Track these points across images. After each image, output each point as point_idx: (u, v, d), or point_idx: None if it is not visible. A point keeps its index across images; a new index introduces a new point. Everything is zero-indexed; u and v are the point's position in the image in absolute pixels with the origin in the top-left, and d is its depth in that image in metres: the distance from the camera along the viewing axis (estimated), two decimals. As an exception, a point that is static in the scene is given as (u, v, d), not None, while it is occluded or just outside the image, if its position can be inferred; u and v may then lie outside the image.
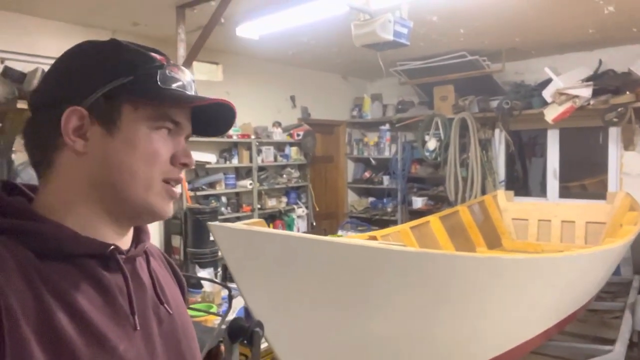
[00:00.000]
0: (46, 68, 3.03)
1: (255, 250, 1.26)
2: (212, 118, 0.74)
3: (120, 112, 0.65)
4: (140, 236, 0.74)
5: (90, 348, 0.59)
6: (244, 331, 1.36)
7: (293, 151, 5.74)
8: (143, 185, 0.66)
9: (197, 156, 4.69)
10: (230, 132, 4.99)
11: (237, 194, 5.21)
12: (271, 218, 5.55)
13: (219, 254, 4.51)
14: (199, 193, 4.71)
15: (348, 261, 1.36)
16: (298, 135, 5.73)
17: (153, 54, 0.68)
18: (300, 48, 4.95)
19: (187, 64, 3.51)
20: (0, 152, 3.35)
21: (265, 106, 5.59)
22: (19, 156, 3.53)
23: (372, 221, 6.52)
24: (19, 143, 3.55)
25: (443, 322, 1.76)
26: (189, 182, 4.65)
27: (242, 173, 5.26)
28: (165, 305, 0.73)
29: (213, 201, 4.79)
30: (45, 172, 0.66)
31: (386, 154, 6.56)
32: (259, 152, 5.30)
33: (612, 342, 2.88)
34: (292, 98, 6.03)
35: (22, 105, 3.23)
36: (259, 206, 5.28)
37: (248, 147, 5.18)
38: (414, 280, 1.56)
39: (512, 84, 5.65)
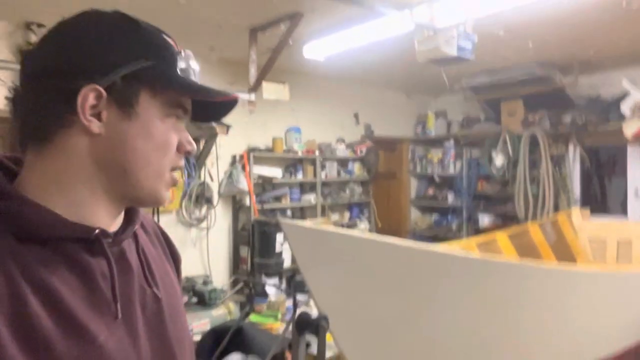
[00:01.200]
0: None
1: (322, 248, 1.34)
2: (209, 104, 0.71)
3: (139, 95, 0.63)
4: (131, 217, 0.71)
5: (67, 338, 0.56)
6: (310, 324, 1.44)
7: (356, 167, 5.82)
8: (154, 174, 0.66)
9: (264, 171, 4.90)
10: (296, 148, 5.17)
11: (301, 208, 5.35)
12: (334, 233, 5.62)
13: (284, 265, 4.65)
14: (265, 206, 4.90)
15: (410, 264, 1.40)
16: (361, 151, 5.81)
17: (167, 38, 0.67)
18: (364, 67, 5.06)
19: (257, 84, 3.72)
20: None
21: (330, 123, 5.73)
22: None
23: (436, 239, 6.39)
24: None
25: (502, 333, 1.73)
26: (256, 195, 4.86)
27: (306, 188, 5.40)
28: (154, 288, 0.70)
29: (279, 214, 4.96)
30: (39, 148, 0.62)
31: (451, 171, 6.46)
32: (323, 167, 5.43)
33: None
34: (356, 115, 6.13)
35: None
36: (322, 221, 5.38)
37: (312, 162, 5.33)
38: (480, 290, 1.56)
39: (586, 98, 5.39)
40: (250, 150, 4.83)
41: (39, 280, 0.56)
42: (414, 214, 7.02)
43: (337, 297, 1.39)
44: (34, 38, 3.41)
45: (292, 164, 5.27)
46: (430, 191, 6.79)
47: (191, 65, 0.68)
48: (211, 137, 4.23)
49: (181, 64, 0.66)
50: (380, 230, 6.18)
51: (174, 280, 0.79)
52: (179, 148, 0.68)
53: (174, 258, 0.83)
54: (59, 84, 0.59)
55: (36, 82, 0.61)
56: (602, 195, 5.95)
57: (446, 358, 1.55)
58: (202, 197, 4.42)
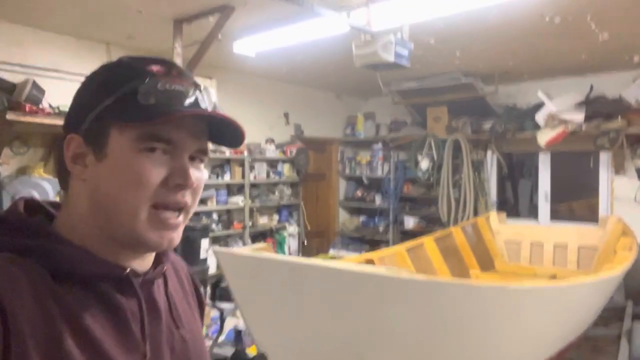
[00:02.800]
0: (37, 79, 2.92)
1: (260, 277, 1.19)
2: (223, 130, 0.69)
3: (108, 136, 0.63)
4: (160, 258, 0.72)
5: None
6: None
7: (286, 168, 5.69)
8: (128, 212, 0.62)
9: (189, 172, 4.61)
10: (223, 148, 4.92)
11: (228, 211, 5.12)
12: (262, 236, 5.45)
13: (209, 272, 4.41)
14: (189, 209, 4.60)
15: (357, 288, 1.30)
16: (291, 152, 5.68)
17: (150, 67, 0.64)
18: (295, 66, 4.94)
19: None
20: (-15, 164, 3.24)
21: (259, 123, 5.55)
22: (5, 168, 3.42)
23: (364, 240, 6.47)
24: (5, 155, 3.44)
25: (447, 351, 1.70)
26: (179, 198, 4.55)
27: (234, 190, 5.18)
28: (181, 330, 0.71)
29: (204, 218, 4.69)
30: (65, 194, 0.67)
31: (379, 173, 6.55)
32: (252, 168, 5.23)
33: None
34: (286, 115, 6.00)
35: (11, 116, 3.13)
36: (250, 224, 5.19)
37: (240, 163, 5.12)
38: (421, 309, 1.50)
39: (504, 106, 5.70)
40: (174, 149, 4.51)
41: (74, 318, 0.58)
42: (343, 216, 7.04)
43: (277, 330, 1.25)
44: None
45: (219, 165, 5.02)
46: (359, 193, 6.84)
47: (171, 88, 0.63)
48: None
49: (145, 92, 0.62)
50: (309, 233, 6.11)
51: (199, 324, 0.81)
52: (167, 182, 0.63)
53: (200, 304, 0.84)
54: (61, 142, 0.66)
55: (60, 139, 0.67)
56: (514, 199, 6.35)
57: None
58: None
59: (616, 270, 2.76)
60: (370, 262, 2.96)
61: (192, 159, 0.67)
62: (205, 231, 4.32)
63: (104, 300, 0.62)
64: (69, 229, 0.64)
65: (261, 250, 1.23)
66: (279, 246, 5.57)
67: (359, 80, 5.58)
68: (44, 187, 3.47)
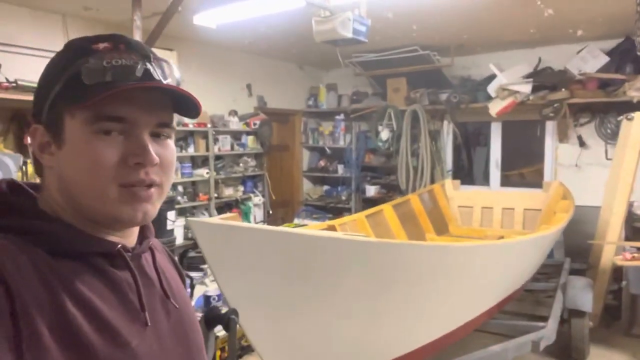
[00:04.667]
0: None
1: (230, 244, 1.34)
2: (180, 101, 0.68)
3: (63, 122, 0.62)
4: (144, 232, 0.74)
5: (105, 344, 0.59)
6: (220, 318, 1.45)
7: (250, 140, 5.76)
8: (94, 196, 0.63)
9: (153, 145, 4.63)
10: (186, 120, 4.95)
11: (193, 183, 5.19)
12: (228, 207, 5.57)
13: (176, 242, 4.51)
14: (154, 182, 4.65)
15: (316, 252, 1.48)
16: (255, 124, 5.75)
17: (96, 45, 0.63)
18: (257, 37, 4.96)
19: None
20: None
21: (222, 95, 5.56)
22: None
23: (327, 209, 6.69)
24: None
25: (394, 305, 1.92)
26: (144, 171, 4.58)
27: (198, 162, 5.23)
28: (172, 299, 0.73)
29: (169, 191, 4.75)
30: (41, 179, 0.69)
31: (341, 144, 6.72)
32: (216, 141, 5.29)
33: (545, 319, 3.19)
34: (249, 87, 6.03)
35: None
36: (215, 195, 5.29)
37: (204, 135, 5.16)
38: (375, 269, 1.69)
39: (459, 78, 5.94)
40: (136, 122, 4.51)
41: (75, 291, 0.59)
42: (307, 185, 7.22)
43: (245, 290, 1.42)
44: None
45: (182, 137, 5.04)
46: (322, 163, 7.01)
47: (117, 64, 0.62)
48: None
49: (89, 71, 0.61)
50: (274, 202, 6.26)
51: (187, 294, 0.82)
52: (126, 161, 0.62)
53: (181, 277, 0.85)
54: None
55: None
56: (469, 167, 6.69)
57: (341, 338, 1.68)
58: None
59: (549, 229, 3.07)
60: (331, 228, 3.16)
61: (156, 135, 0.66)
62: (171, 203, 4.40)
63: (100, 274, 0.63)
64: (52, 211, 0.65)
65: (230, 219, 1.38)
66: (245, 216, 5.70)
67: (321, 51, 5.64)
68: (6, 162, 3.44)
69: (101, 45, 0.63)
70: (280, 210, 6.66)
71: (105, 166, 0.62)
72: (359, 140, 6.61)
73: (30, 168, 3.68)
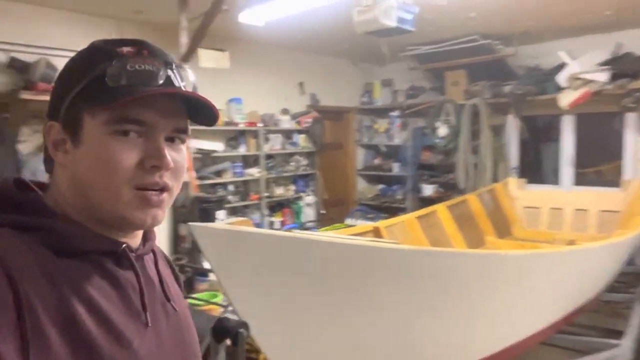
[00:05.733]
0: (51, 59, 2.98)
1: (238, 251, 1.23)
2: (198, 108, 0.69)
3: (82, 122, 0.63)
4: (147, 235, 0.74)
5: (108, 342, 0.60)
6: (227, 331, 1.34)
7: (301, 139, 5.69)
8: (108, 195, 0.63)
9: (203, 145, 4.69)
10: (237, 120, 4.97)
11: (245, 182, 5.20)
12: (279, 206, 5.54)
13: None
14: (206, 182, 4.71)
15: (334, 260, 1.33)
16: (306, 122, 5.67)
17: (120, 48, 0.64)
18: (308, 34, 4.86)
19: (190, 51, 3.47)
20: (6, 142, 3.38)
21: (273, 93, 5.53)
22: (25, 146, 3.55)
23: (382, 208, 6.48)
24: (24, 133, 3.58)
25: (441, 320, 1.73)
26: (196, 171, 4.65)
27: (249, 161, 5.24)
28: (171, 301, 0.74)
29: (220, 190, 4.79)
30: (50, 177, 0.69)
31: (396, 141, 6.48)
32: (267, 140, 5.26)
33: (622, 334, 2.82)
34: (301, 85, 5.96)
35: (26, 95, 3.24)
36: (267, 194, 5.27)
37: (255, 135, 5.16)
38: (408, 280, 1.51)
39: (525, 68, 5.49)
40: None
41: (80, 288, 0.60)
42: (361, 184, 7.05)
43: (257, 300, 1.30)
44: None
45: (234, 137, 5.07)
46: (377, 161, 6.81)
47: (140, 68, 0.63)
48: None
49: (113, 74, 0.62)
50: (327, 202, 6.16)
51: (183, 299, 0.83)
52: (143, 164, 0.64)
53: (178, 282, 0.85)
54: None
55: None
56: (538, 164, 6.18)
57: (380, 354, 1.52)
58: (136, 174, 4.16)
59: (628, 233, 2.69)
60: (376, 231, 2.98)
61: (171, 140, 0.67)
62: (220, 203, 4.42)
63: (104, 273, 0.64)
64: (59, 209, 0.65)
65: (239, 224, 1.27)
66: (296, 216, 5.65)
67: (374, 46, 5.42)
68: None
69: (125, 50, 0.64)
70: (334, 209, 6.54)
71: (123, 167, 0.63)
72: (415, 138, 6.33)
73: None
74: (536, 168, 6.20)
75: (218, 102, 4.89)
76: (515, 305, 2.05)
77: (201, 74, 4.64)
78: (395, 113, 6.46)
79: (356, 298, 1.39)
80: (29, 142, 3.61)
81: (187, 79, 0.66)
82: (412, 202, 6.37)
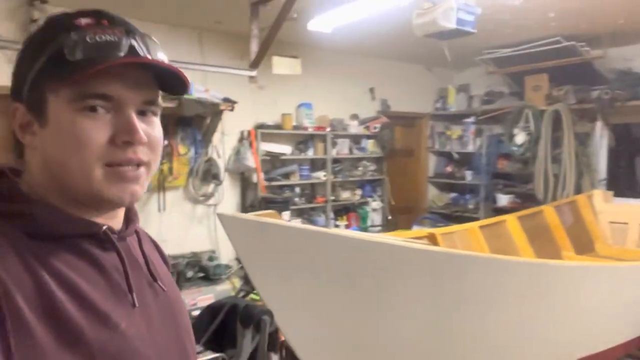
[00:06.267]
0: None
1: (262, 240, 1.29)
2: (168, 78, 0.66)
3: (46, 100, 0.61)
4: (130, 216, 0.72)
5: (92, 325, 0.58)
6: (252, 318, 1.41)
7: (369, 144, 5.70)
8: (80, 176, 0.61)
9: (272, 148, 4.87)
10: (306, 124, 5.10)
11: (311, 185, 5.32)
12: (345, 210, 5.58)
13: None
14: (274, 183, 4.89)
15: (358, 256, 1.35)
16: (375, 127, 5.67)
17: (77, 20, 0.61)
18: (377, 39, 4.87)
19: (259, 58, 3.64)
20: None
21: (343, 99, 5.60)
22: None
23: (452, 218, 6.26)
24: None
25: (469, 325, 1.66)
26: (265, 172, 4.85)
27: (317, 165, 5.35)
28: (159, 282, 0.72)
29: (287, 191, 4.94)
30: (22, 162, 0.67)
31: (470, 148, 6.24)
32: (334, 144, 5.34)
33: None
34: (372, 90, 5.97)
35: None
36: (333, 198, 5.35)
37: (323, 139, 5.26)
38: (439, 283, 1.49)
39: (617, 71, 5.03)
40: (258, 126, 4.79)
41: (59, 274, 0.58)
42: (432, 192, 6.87)
43: (284, 291, 1.35)
44: (37, 15, 3.43)
45: (303, 141, 5.21)
46: (449, 168, 6.61)
47: (101, 40, 0.60)
48: (216, 114, 4.21)
49: (72, 47, 0.59)
50: (395, 208, 6.09)
51: (172, 279, 0.82)
52: (114, 140, 0.62)
53: (166, 264, 0.84)
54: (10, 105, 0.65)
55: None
56: (629, 177, 5.62)
57: (406, 356, 1.50)
58: (208, 174, 4.44)
59: None
60: (432, 237, 2.92)
61: (142, 113, 0.65)
62: (286, 204, 4.57)
63: (85, 256, 0.62)
64: (34, 193, 0.64)
65: (267, 216, 1.33)
66: (362, 220, 5.65)
67: (454, 49, 5.31)
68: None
69: (83, 21, 0.61)
70: (402, 216, 6.44)
71: (92, 145, 0.60)
72: (490, 145, 6.05)
73: (166, 166, 4.17)
74: (628, 180, 5.64)
75: (289, 107, 5.09)
76: (555, 321, 1.91)
77: (275, 80, 4.86)
78: (470, 119, 6.23)
79: (375, 295, 1.40)
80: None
81: (155, 49, 0.65)
82: (486, 212, 6.08)
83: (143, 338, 0.64)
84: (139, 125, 0.62)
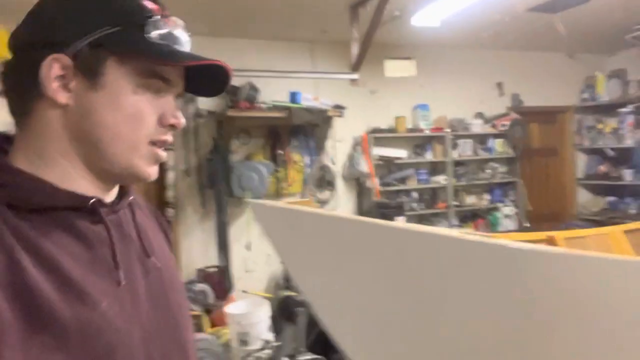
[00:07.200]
0: (253, 80, 3.61)
1: (298, 229, 1.24)
2: (206, 78, 0.69)
3: (106, 64, 0.61)
4: (126, 190, 0.71)
5: (71, 305, 0.56)
6: (288, 309, 1.37)
7: (497, 144, 5.20)
8: (127, 147, 0.63)
9: (387, 152, 4.77)
10: (422, 126, 4.89)
11: (432, 190, 5.05)
12: (473, 217, 5.16)
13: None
14: (390, 188, 4.76)
15: (403, 248, 1.20)
16: (503, 125, 5.16)
17: (145, 2, 0.63)
18: (495, 28, 4.44)
19: (359, 61, 3.61)
20: (220, 152, 4.13)
21: (465, 97, 5.22)
22: (235, 155, 4.27)
23: (607, 224, 5.31)
24: (234, 145, 4.31)
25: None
26: (380, 178, 4.76)
27: (438, 169, 5.06)
28: (153, 257, 0.70)
29: (403, 196, 4.77)
30: (23, 122, 0.63)
31: (628, 143, 5.26)
32: (455, 146, 5.00)
33: None
34: (499, 85, 5.46)
35: (231, 112, 3.92)
36: (456, 203, 4.99)
37: (442, 141, 4.96)
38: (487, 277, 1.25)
39: None
40: (371, 131, 4.74)
41: (37, 249, 0.56)
42: (583, 196, 5.96)
43: (322, 281, 1.28)
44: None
45: (420, 144, 5.00)
46: (602, 168, 5.66)
47: (171, 30, 0.64)
48: (325, 121, 4.29)
49: (155, 30, 0.62)
50: (533, 214, 5.43)
51: (170, 253, 0.80)
52: (162, 121, 0.65)
53: (167, 237, 0.83)
54: (28, 57, 0.60)
55: (16, 57, 0.63)
56: None
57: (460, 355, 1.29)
58: (323, 181, 4.53)
59: None
60: (551, 241, 2.49)
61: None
62: (399, 209, 4.42)
63: (69, 228, 0.61)
64: (28, 160, 0.62)
65: (299, 204, 1.28)
66: (492, 227, 5.16)
67: (600, 32, 4.59)
68: (261, 169, 4.21)
69: (149, 4, 0.63)
70: (545, 224, 5.70)
71: (148, 122, 0.64)
72: (657, 137, 5.02)
73: (282, 174, 4.37)
74: None
75: (403, 110, 4.94)
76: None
77: (386, 84, 4.77)
78: (627, 109, 5.26)
79: (434, 293, 1.23)
80: (238, 153, 4.35)
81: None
82: (654, 218, 5.04)
83: (127, 316, 0.62)
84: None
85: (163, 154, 0.66)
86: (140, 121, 0.63)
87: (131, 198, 0.72)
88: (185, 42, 0.65)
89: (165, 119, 0.65)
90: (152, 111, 0.64)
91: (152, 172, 0.66)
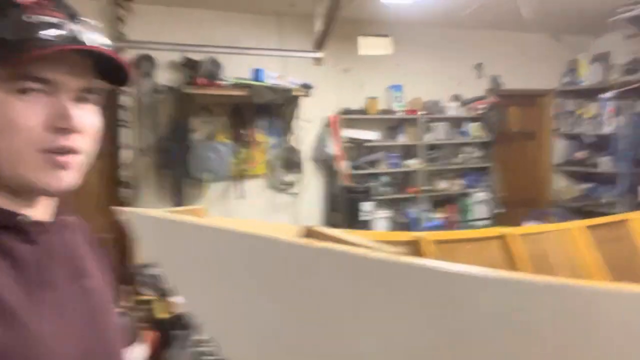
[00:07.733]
0: (218, 57, 3.40)
1: (177, 240, 1.09)
2: (109, 67, 0.64)
3: None
4: (60, 207, 0.70)
5: None
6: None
7: (473, 128, 5.05)
8: (9, 160, 0.59)
9: (357, 134, 4.60)
10: (395, 108, 4.71)
11: (404, 174, 4.90)
12: (445, 201, 5.05)
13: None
14: (360, 172, 4.61)
15: (281, 260, 1.06)
16: (480, 109, 5.00)
17: None
18: (479, 5, 4.21)
19: (322, 37, 3.40)
20: (179, 133, 3.93)
21: (441, 79, 5.02)
22: (197, 134, 4.07)
23: (583, 213, 5.23)
24: (195, 123, 4.10)
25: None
26: (350, 161, 4.60)
27: (411, 152, 4.90)
28: (84, 280, 0.69)
29: (370, 180, 4.63)
30: None
31: (607, 129, 5.14)
32: (429, 129, 4.84)
33: None
34: (478, 67, 5.26)
35: (190, 89, 3.72)
36: (428, 187, 4.87)
37: (415, 123, 4.80)
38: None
39: None
40: (342, 112, 4.55)
41: None
42: (559, 182, 5.87)
43: (206, 295, 1.13)
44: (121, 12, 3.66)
45: (393, 126, 4.82)
46: (580, 154, 5.55)
47: (40, 20, 0.58)
48: (290, 100, 4.08)
49: (8, 26, 0.57)
50: (508, 200, 5.33)
51: (106, 277, 0.79)
52: (47, 126, 0.60)
53: (102, 259, 0.81)
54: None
55: None
56: None
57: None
58: (289, 162, 4.36)
59: None
60: (503, 239, 2.35)
61: (80, 100, 0.63)
62: (366, 194, 4.28)
63: None
64: None
65: (189, 212, 1.12)
66: (463, 213, 5.06)
67: (580, 11, 4.38)
68: (222, 150, 4.03)
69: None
70: (520, 209, 5.61)
71: (25, 129, 0.58)
72: (636, 125, 4.89)
73: (245, 154, 4.20)
74: None
75: (376, 91, 4.75)
76: None
77: (361, 62, 4.56)
78: (608, 94, 5.11)
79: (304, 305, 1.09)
80: (199, 132, 4.15)
81: (98, 35, 0.63)
82: (628, 208, 4.96)
83: (57, 335, 0.61)
84: (75, 112, 0.61)
85: (66, 159, 0.60)
86: (16, 130, 0.58)
87: (65, 218, 0.70)
88: (61, 28, 0.58)
89: (51, 123, 0.59)
90: (31, 117, 0.58)
91: (50, 180, 0.61)
